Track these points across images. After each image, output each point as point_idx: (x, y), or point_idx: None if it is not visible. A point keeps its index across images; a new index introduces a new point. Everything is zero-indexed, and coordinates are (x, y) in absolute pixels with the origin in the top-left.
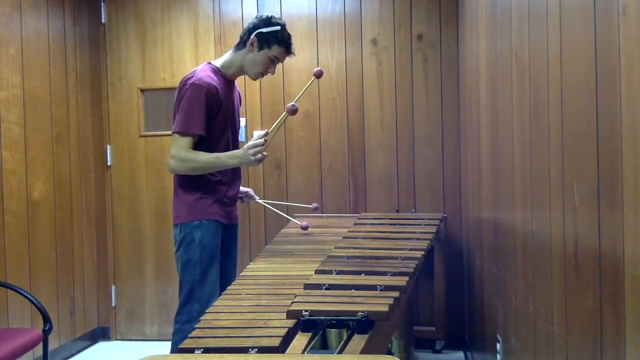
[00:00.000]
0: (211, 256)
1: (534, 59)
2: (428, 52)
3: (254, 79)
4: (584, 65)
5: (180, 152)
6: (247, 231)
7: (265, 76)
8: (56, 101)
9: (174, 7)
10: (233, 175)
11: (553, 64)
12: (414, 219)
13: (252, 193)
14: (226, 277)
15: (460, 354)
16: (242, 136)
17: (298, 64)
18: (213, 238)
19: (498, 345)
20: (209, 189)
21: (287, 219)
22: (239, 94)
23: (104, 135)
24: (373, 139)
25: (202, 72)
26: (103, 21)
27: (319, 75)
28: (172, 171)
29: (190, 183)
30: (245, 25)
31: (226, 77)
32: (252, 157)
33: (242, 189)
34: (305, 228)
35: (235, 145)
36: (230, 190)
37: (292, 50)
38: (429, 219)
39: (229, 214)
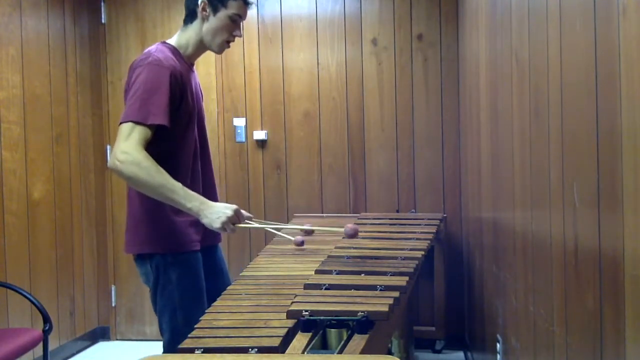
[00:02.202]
0: (193, 298)
1: (534, 59)
2: (428, 52)
3: (219, 51)
4: (584, 65)
5: (137, 152)
6: (247, 231)
7: (231, 43)
8: (56, 101)
9: (174, 7)
10: (205, 187)
11: (553, 64)
12: (414, 219)
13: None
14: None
15: (460, 354)
16: (241, 136)
17: (298, 64)
18: (194, 276)
19: (498, 345)
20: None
21: (279, 235)
22: (199, 85)
23: (104, 135)
24: (373, 139)
25: (159, 52)
26: (103, 21)
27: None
28: (113, 168)
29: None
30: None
31: (184, 60)
32: (223, 220)
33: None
34: (300, 244)
35: (205, 148)
36: None
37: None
38: (429, 219)
39: (208, 234)
